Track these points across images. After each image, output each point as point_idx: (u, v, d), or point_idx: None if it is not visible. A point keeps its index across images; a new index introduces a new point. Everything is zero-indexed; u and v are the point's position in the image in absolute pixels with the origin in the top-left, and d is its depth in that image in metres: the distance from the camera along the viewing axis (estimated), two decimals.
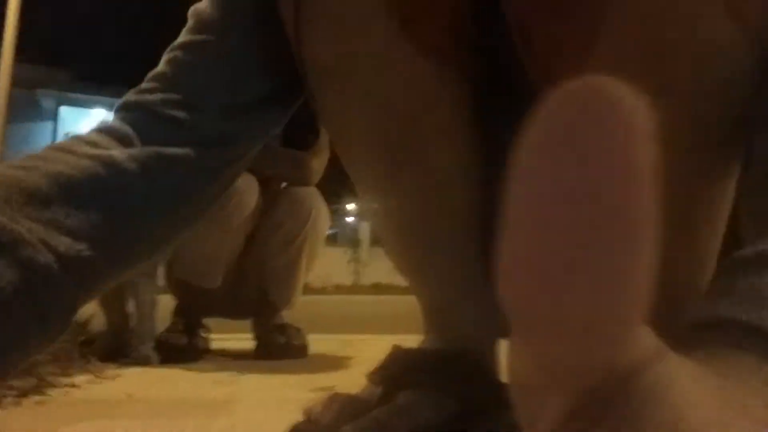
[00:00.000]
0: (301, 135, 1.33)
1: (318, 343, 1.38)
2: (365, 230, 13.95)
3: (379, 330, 1.72)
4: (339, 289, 7.92)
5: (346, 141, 0.50)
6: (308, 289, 2.10)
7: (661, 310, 0.22)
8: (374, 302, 4.58)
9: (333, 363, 1.21)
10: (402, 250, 0.53)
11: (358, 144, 0.48)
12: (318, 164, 1.37)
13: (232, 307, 1.36)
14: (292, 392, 0.87)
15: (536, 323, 0.22)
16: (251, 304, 1.36)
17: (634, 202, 0.19)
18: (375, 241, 14.10)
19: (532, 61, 0.41)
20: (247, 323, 1.38)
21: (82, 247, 0.38)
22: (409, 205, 0.48)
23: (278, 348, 1.28)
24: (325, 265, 3.31)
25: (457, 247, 0.49)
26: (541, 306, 0.21)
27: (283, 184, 1.40)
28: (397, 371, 0.47)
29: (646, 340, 0.22)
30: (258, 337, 1.34)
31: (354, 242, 13.57)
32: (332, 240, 14.31)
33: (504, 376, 0.47)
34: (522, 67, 0.41)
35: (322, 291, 6.70)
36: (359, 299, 5.36)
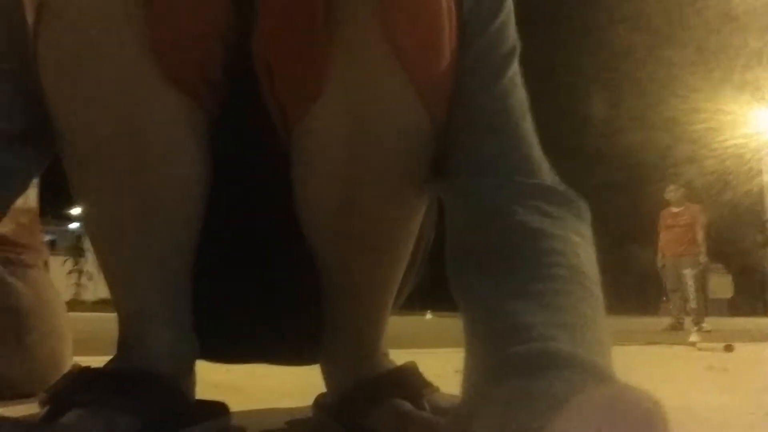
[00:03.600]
0: None
1: None
2: None
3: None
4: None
5: (70, 140, 0.48)
6: None
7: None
8: (97, 320, 3.73)
9: None
10: (110, 258, 0.52)
11: (83, 148, 0.48)
12: None
13: None
14: None
15: None
16: None
17: None
18: None
19: (271, 96, 0.47)
20: None
21: None
22: (123, 213, 0.49)
23: None
24: None
25: (165, 263, 0.51)
26: None
27: None
28: (69, 390, 0.45)
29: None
30: None
31: (76, 251, 11.42)
32: (50, 247, 12.15)
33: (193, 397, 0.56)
34: (260, 99, 0.48)
35: None
36: (80, 317, 4.33)
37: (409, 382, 0.52)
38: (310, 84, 0.46)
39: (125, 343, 0.52)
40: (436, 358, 1.78)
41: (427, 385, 0.53)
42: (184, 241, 0.52)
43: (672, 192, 5.62)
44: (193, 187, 0.51)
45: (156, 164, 0.48)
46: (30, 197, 0.92)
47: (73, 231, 13.98)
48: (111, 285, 0.53)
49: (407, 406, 0.48)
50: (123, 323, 0.53)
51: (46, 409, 0.44)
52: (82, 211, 0.51)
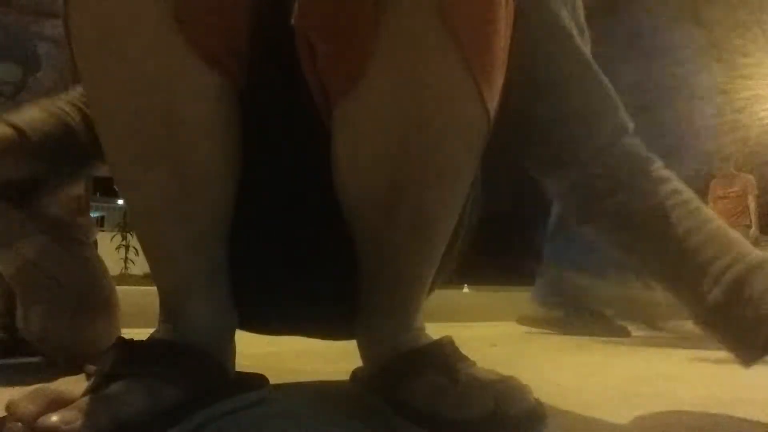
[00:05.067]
0: None
1: None
2: None
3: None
4: None
5: (105, 120, 0.49)
6: None
7: None
8: (145, 294, 3.75)
9: None
10: (149, 233, 0.53)
11: (116, 127, 0.49)
12: None
13: None
14: None
15: None
16: None
17: None
18: None
19: (312, 74, 0.47)
20: None
21: None
22: (159, 192, 0.50)
23: None
24: None
25: (202, 239, 0.52)
26: None
27: None
28: (113, 362, 0.46)
29: None
30: None
31: (124, 227, 11.77)
32: (98, 224, 12.56)
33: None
34: (300, 79, 0.48)
35: None
36: (128, 290, 4.40)
37: (445, 357, 0.52)
38: (353, 62, 0.45)
39: (166, 318, 0.54)
40: (473, 331, 1.79)
41: (463, 359, 0.53)
42: (220, 216, 0.53)
43: (726, 161, 5.39)
44: (226, 161, 0.52)
45: (187, 138, 0.48)
46: (78, 184, 0.96)
47: (121, 207, 14.42)
48: (150, 261, 0.54)
49: (443, 380, 0.48)
50: (163, 298, 0.54)
51: (91, 381, 0.45)
52: (120, 190, 0.52)
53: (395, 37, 0.44)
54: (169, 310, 0.53)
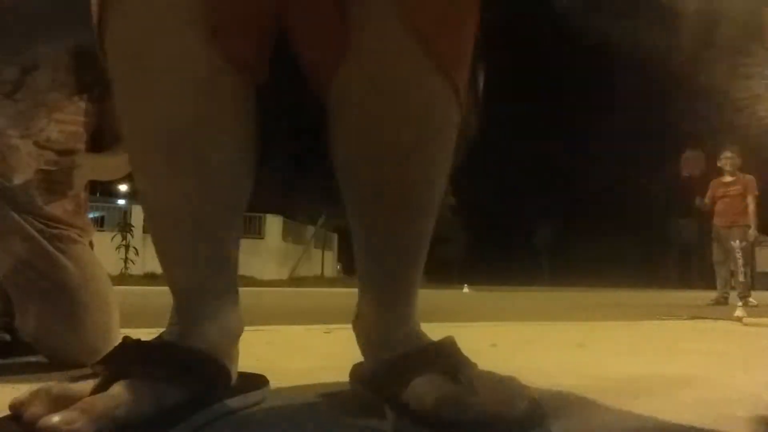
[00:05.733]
0: None
1: None
2: (139, 214, 12.30)
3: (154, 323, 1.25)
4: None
5: (135, 129, 0.51)
6: None
7: None
8: (144, 294, 4.07)
9: None
10: (169, 237, 0.54)
11: (147, 134, 0.51)
12: None
13: None
14: None
15: None
16: None
17: None
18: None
19: (303, 57, 0.52)
20: None
21: None
22: (183, 195, 0.52)
23: None
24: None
25: (218, 239, 0.54)
26: None
27: None
28: (119, 361, 0.47)
29: None
30: None
31: (124, 227, 11.77)
32: (98, 224, 12.55)
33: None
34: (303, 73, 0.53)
35: None
36: (128, 290, 4.68)
37: (446, 357, 0.52)
38: (333, 49, 0.49)
39: (177, 320, 0.54)
40: (473, 331, 1.79)
41: (464, 360, 0.53)
42: (235, 217, 0.56)
43: (727, 160, 5.37)
44: (246, 160, 0.54)
45: (215, 140, 0.51)
46: (76, 185, 0.96)
47: (120, 207, 14.39)
48: (165, 261, 0.54)
49: (445, 381, 0.48)
50: (177, 298, 0.55)
51: (97, 379, 0.45)
52: (141, 192, 0.53)
53: (360, 35, 0.49)
54: (181, 312, 0.54)
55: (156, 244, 0.54)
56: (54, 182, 0.93)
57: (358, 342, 0.62)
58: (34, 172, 0.91)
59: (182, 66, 0.48)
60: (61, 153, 0.93)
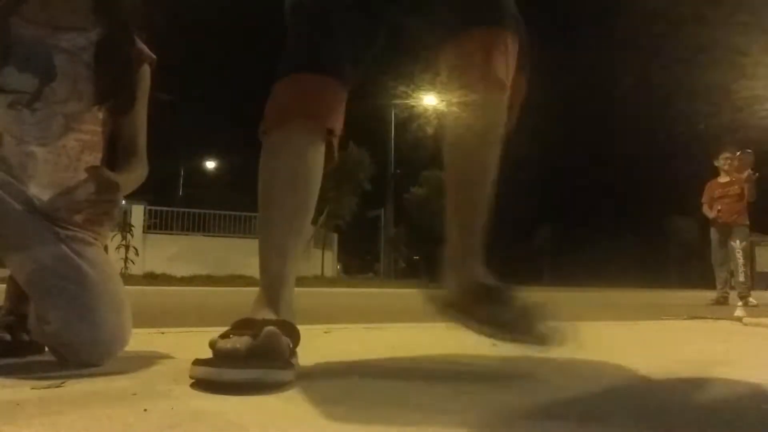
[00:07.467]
0: None
1: None
2: (139, 214, 12.29)
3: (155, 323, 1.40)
4: None
5: (268, 199, 0.96)
6: None
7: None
8: (144, 294, 4.33)
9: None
10: (274, 243, 0.94)
11: (275, 202, 0.95)
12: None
13: None
14: None
15: None
16: None
17: None
18: (150, 227, 12.62)
19: None
20: None
21: None
22: (285, 213, 0.95)
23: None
24: None
25: (300, 237, 0.96)
26: None
27: None
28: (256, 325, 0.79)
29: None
30: None
31: (124, 227, 11.73)
32: None
33: None
34: None
35: None
36: (128, 290, 4.43)
37: (506, 291, 0.90)
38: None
39: (266, 303, 0.87)
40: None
41: (517, 297, 0.89)
42: (306, 233, 0.98)
43: (726, 160, 5.35)
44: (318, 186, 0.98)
45: (310, 190, 0.96)
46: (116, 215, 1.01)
47: (120, 207, 14.35)
48: (266, 260, 0.92)
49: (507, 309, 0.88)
50: (264, 283, 0.90)
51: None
52: (260, 213, 0.96)
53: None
54: (269, 297, 0.88)
55: (262, 245, 0.93)
56: (100, 215, 0.94)
57: (447, 280, 0.95)
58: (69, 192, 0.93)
59: (302, 159, 0.95)
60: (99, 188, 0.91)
